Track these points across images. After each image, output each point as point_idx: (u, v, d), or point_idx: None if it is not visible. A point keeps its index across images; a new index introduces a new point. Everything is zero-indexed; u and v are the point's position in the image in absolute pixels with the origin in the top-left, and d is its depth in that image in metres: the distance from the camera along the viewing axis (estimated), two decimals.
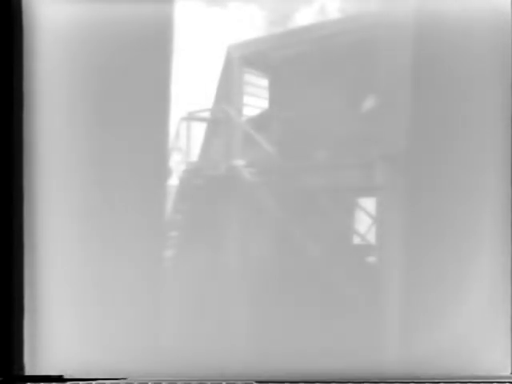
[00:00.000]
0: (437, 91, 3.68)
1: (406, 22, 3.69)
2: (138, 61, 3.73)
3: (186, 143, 4.14)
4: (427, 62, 3.70)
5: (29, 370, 3.61)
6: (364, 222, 3.94)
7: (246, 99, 4.23)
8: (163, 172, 3.90)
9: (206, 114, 4.19)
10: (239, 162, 4.06)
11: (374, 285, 3.75)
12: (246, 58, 4.19)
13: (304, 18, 3.92)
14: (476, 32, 3.64)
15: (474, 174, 3.66)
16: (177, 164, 4.03)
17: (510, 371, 3.56)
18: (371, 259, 3.88)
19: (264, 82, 4.22)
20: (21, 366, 3.59)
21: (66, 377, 3.58)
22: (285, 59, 4.09)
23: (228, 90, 4.20)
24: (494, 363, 3.58)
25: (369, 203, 3.92)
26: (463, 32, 3.65)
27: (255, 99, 4.23)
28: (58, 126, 3.68)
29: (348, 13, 3.91)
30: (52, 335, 3.64)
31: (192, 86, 3.99)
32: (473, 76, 3.67)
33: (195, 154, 4.18)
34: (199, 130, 4.19)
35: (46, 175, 3.67)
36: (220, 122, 4.17)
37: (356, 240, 3.95)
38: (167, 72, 3.84)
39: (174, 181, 3.98)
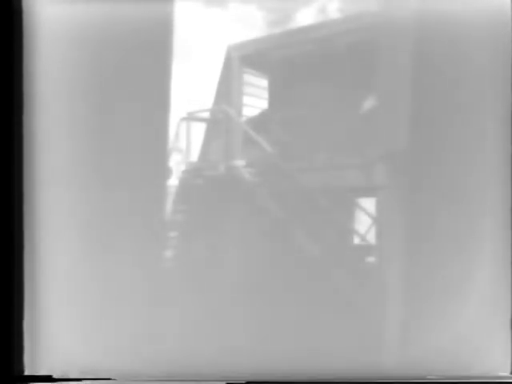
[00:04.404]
0: (437, 91, 3.68)
1: (406, 22, 3.70)
2: (139, 61, 3.74)
3: (186, 143, 4.14)
4: (427, 61, 3.70)
5: (29, 370, 3.62)
6: (364, 222, 3.94)
7: (246, 99, 4.23)
8: (163, 172, 3.91)
9: (206, 114, 4.19)
10: (239, 162, 4.07)
11: (374, 285, 3.76)
12: (245, 58, 4.19)
13: (304, 18, 3.92)
14: (476, 32, 3.65)
15: (473, 174, 3.66)
16: (177, 164, 4.03)
17: (510, 371, 3.56)
18: (371, 259, 3.88)
19: (264, 82, 4.22)
20: (21, 366, 3.60)
21: (63, 377, 3.59)
22: (285, 59, 4.09)
23: (228, 90, 4.20)
24: (494, 363, 3.58)
25: (369, 203, 3.92)
26: (463, 32, 3.66)
27: (255, 99, 4.23)
28: (57, 125, 3.69)
29: (348, 13, 3.91)
30: (52, 335, 3.64)
31: (192, 86, 3.99)
32: (473, 76, 3.67)
33: (195, 154, 4.19)
34: (199, 130, 4.19)
35: (46, 175, 3.67)
36: (220, 122, 4.17)
37: (356, 240, 3.96)
38: (167, 72, 3.85)
39: (173, 181, 3.99)
